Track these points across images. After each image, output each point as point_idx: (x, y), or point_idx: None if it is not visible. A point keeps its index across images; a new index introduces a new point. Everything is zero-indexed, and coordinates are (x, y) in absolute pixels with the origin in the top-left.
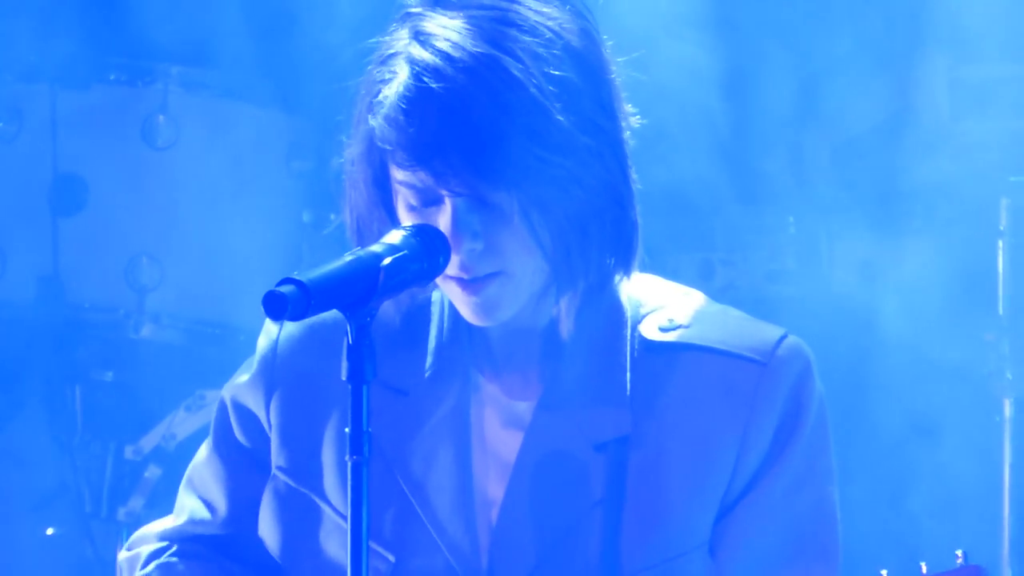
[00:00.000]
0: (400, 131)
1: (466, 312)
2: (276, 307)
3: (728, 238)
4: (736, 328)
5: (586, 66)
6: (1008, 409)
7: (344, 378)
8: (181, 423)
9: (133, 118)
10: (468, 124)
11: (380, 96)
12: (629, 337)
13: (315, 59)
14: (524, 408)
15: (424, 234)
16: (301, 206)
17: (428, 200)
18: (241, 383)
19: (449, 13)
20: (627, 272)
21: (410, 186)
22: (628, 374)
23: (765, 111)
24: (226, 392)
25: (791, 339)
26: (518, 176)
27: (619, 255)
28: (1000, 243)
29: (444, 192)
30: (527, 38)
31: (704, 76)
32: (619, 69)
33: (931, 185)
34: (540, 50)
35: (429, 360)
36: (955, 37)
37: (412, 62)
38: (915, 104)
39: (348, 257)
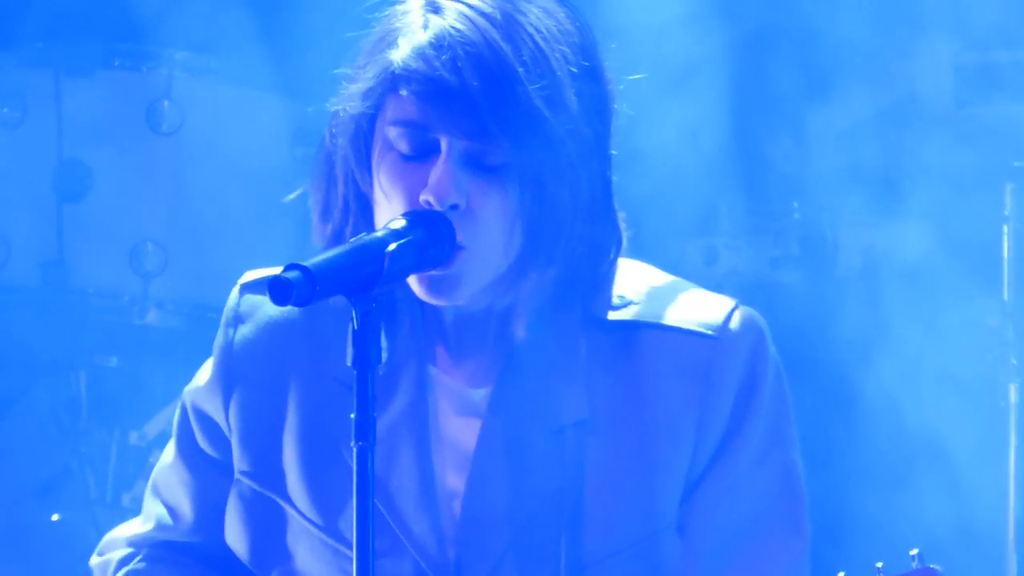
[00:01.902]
0: (425, 59)
1: (420, 289)
2: (281, 293)
3: (732, 223)
4: (687, 302)
5: (592, 65)
6: (1013, 394)
7: (349, 364)
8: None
9: (138, 103)
10: (493, 70)
11: (402, 32)
12: (583, 316)
13: (320, 44)
14: (480, 396)
15: (429, 220)
16: (305, 192)
17: (422, 150)
18: (199, 387)
19: None
20: (608, 269)
21: (410, 126)
22: (583, 356)
23: (770, 96)
24: (186, 396)
25: (743, 310)
26: (525, 137)
27: (597, 252)
28: (1005, 228)
29: (444, 137)
30: (547, 19)
31: (709, 62)
32: (622, 57)
33: (936, 170)
34: (558, 34)
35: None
36: (960, 22)
37: (436, 8)
38: (920, 89)
39: (353, 242)
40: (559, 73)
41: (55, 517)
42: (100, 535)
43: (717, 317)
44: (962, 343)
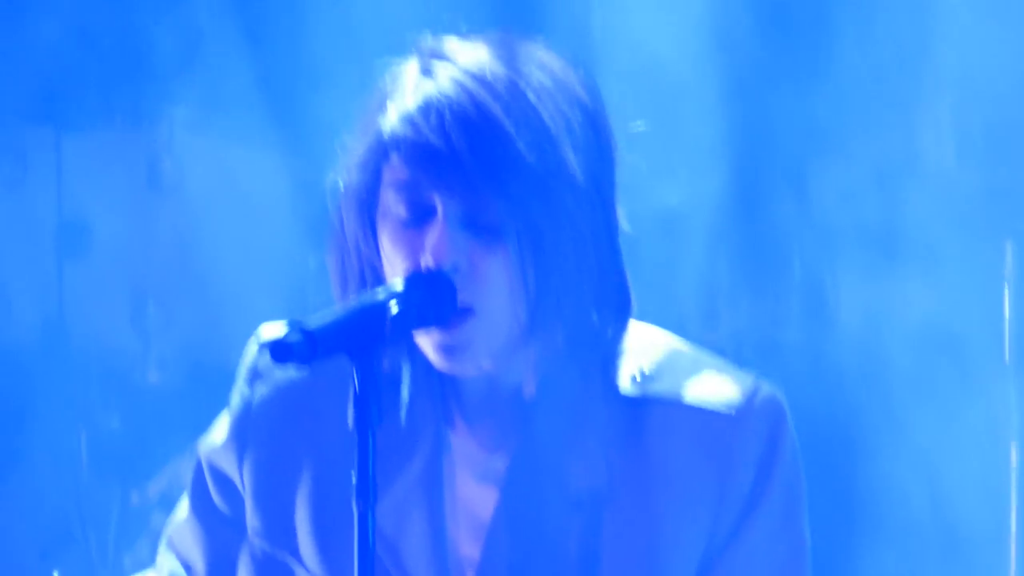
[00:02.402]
0: (411, 124)
1: (434, 355)
2: (281, 353)
3: (733, 283)
4: (708, 379)
5: (590, 118)
6: (1015, 455)
7: (351, 425)
8: (188, 468)
9: (138, 161)
10: (481, 129)
11: (392, 98)
12: (604, 389)
13: (323, 103)
14: (499, 464)
15: (429, 279)
16: (307, 250)
17: (419, 214)
18: (215, 444)
19: (464, 41)
20: (617, 328)
21: (404, 190)
22: (603, 429)
23: (771, 153)
24: (202, 451)
25: (764, 389)
26: (518, 194)
27: (606, 313)
28: (1006, 288)
29: (439, 200)
30: (541, 74)
31: (709, 115)
32: (622, 112)
33: (937, 228)
34: (552, 87)
35: (400, 415)
36: (963, 80)
37: (428, 71)
38: (921, 146)
39: (354, 302)
40: (553, 128)
41: None
42: None
43: (738, 395)
44: (963, 403)
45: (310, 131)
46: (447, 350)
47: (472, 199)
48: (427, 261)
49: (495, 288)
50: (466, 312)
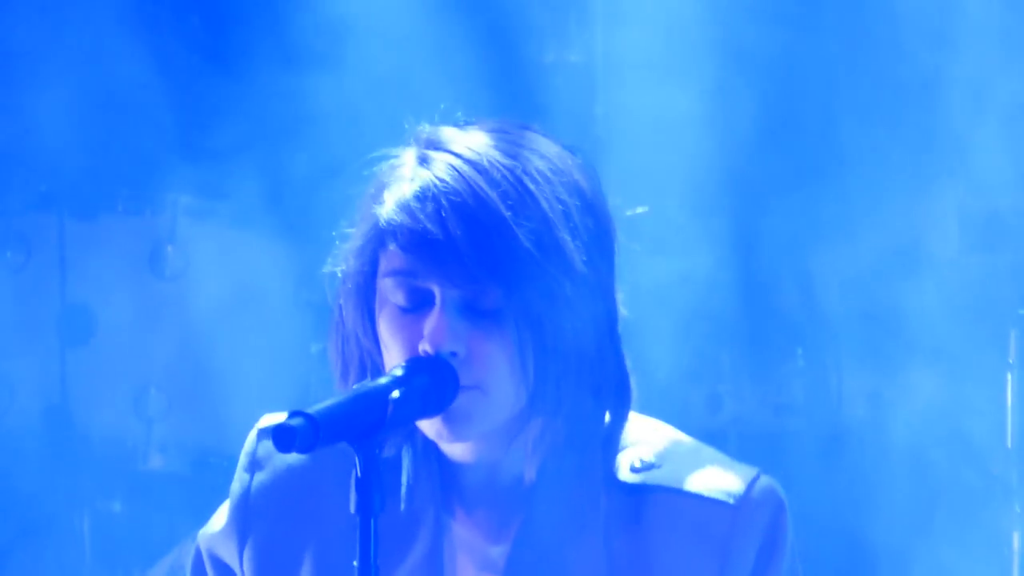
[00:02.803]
0: (408, 212)
1: (431, 429)
2: (284, 439)
3: (736, 370)
4: (709, 468)
5: (588, 203)
6: (1017, 542)
7: (352, 510)
8: (189, 554)
9: (141, 248)
10: (477, 216)
11: (389, 187)
12: (604, 477)
13: (326, 191)
14: (499, 552)
15: (430, 366)
16: (309, 337)
17: (417, 300)
18: (215, 533)
19: (461, 130)
20: (617, 416)
21: (401, 277)
22: (602, 517)
23: (775, 242)
24: (201, 540)
25: (764, 480)
26: (516, 281)
27: (604, 398)
28: (1009, 376)
29: (436, 287)
30: (539, 160)
31: (713, 203)
32: (621, 212)
33: (940, 317)
34: (550, 174)
35: (400, 501)
36: (965, 170)
37: (425, 160)
38: (924, 235)
39: (356, 389)
40: (551, 214)
41: None
42: None
43: (738, 486)
44: (966, 491)
45: (313, 219)
46: (448, 421)
47: (469, 286)
48: (425, 347)
49: (495, 369)
50: (467, 388)
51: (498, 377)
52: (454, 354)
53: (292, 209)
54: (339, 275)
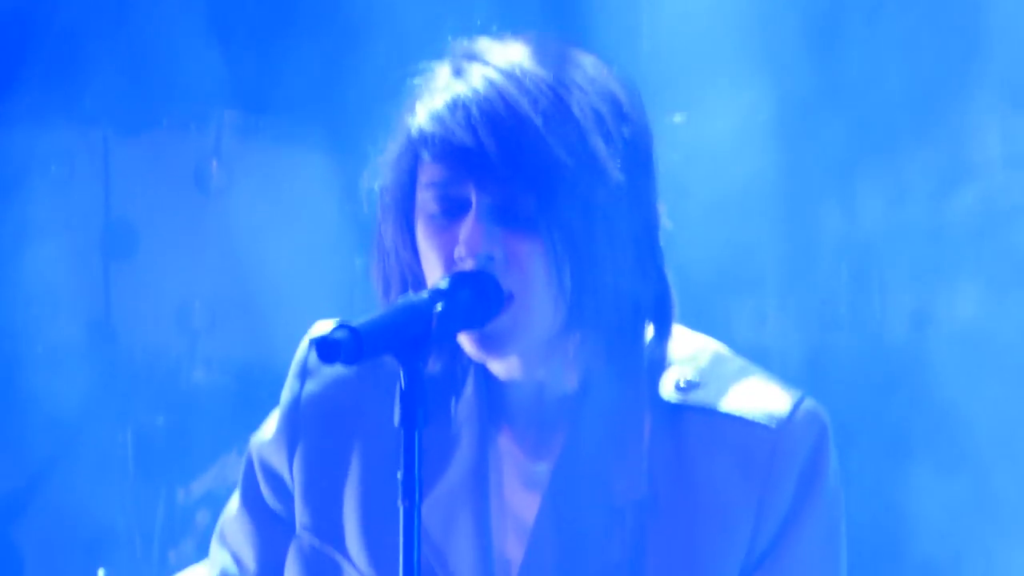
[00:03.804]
0: (439, 122)
1: (471, 345)
2: (329, 352)
3: (781, 285)
4: (753, 390)
5: (623, 113)
6: None
7: (396, 423)
8: (233, 467)
9: (186, 163)
10: (509, 123)
11: (422, 99)
12: (648, 395)
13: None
14: (543, 469)
15: (474, 279)
16: (354, 251)
17: (451, 207)
18: (265, 441)
19: (496, 41)
20: (660, 332)
21: (436, 187)
22: (646, 436)
23: (818, 158)
24: (253, 447)
25: (808, 403)
26: (549, 188)
27: (644, 311)
28: None
29: (471, 192)
30: (573, 70)
31: (756, 123)
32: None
33: (984, 232)
34: (584, 83)
35: (446, 417)
36: (1008, 84)
37: (459, 71)
38: (968, 150)
39: (400, 302)
40: (583, 122)
41: (101, 574)
42: None
43: (782, 409)
44: (1016, 406)
45: (357, 133)
46: (486, 338)
47: (502, 192)
48: (460, 252)
49: (532, 276)
50: (507, 298)
51: (535, 283)
52: (491, 258)
53: (337, 124)
54: (377, 190)
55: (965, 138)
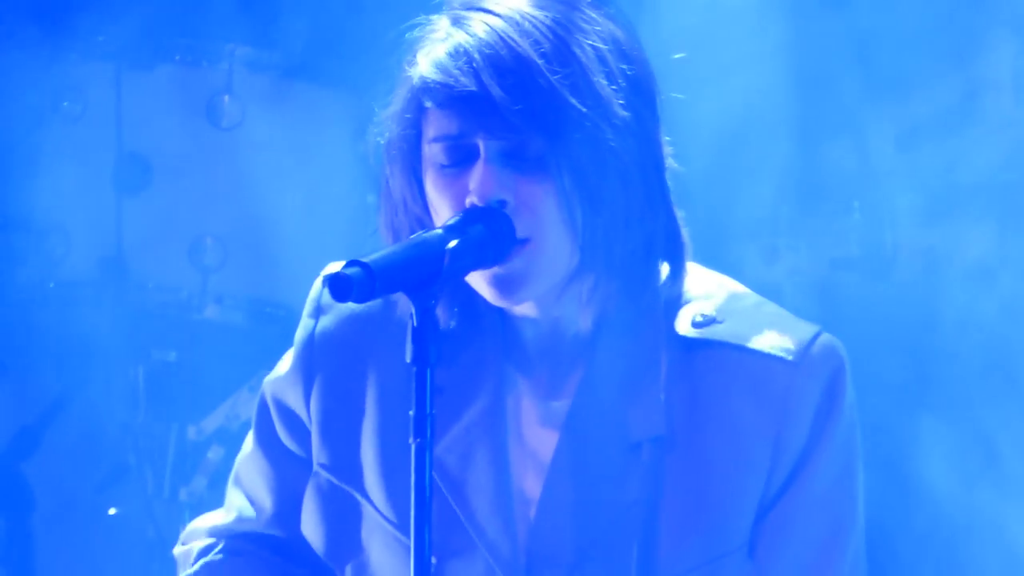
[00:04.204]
0: (442, 69)
1: (487, 289)
2: (341, 289)
3: (793, 223)
4: (770, 324)
5: (624, 51)
6: None
7: (408, 360)
8: (244, 403)
9: (198, 98)
10: (513, 67)
11: (423, 49)
12: (665, 332)
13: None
14: (560, 406)
15: (487, 216)
16: (366, 188)
17: (460, 156)
18: (280, 378)
19: None
20: (674, 270)
21: (443, 138)
22: (662, 372)
23: (829, 96)
24: (267, 387)
25: (825, 337)
26: (556, 128)
27: (656, 249)
28: None
29: (479, 139)
30: (572, 12)
31: (767, 63)
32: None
33: (996, 173)
34: (583, 24)
35: (463, 355)
36: (1020, 26)
37: (458, 20)
38: (980, 91)
39: (413, 239)
40: (585, 60)
41: (112, 511)
42: (157, 530)
43: (799, 342)
44: (1017, 345)
45: (370, 70)
46: (501, 281)
47: (510, 136)
48: (472, 200)
49: (547, 217)
50: (522, 242)
51: (549, 225)
52: (503, 203)
53: (349, 60)
54: (383, 142)
55: (976, 77)
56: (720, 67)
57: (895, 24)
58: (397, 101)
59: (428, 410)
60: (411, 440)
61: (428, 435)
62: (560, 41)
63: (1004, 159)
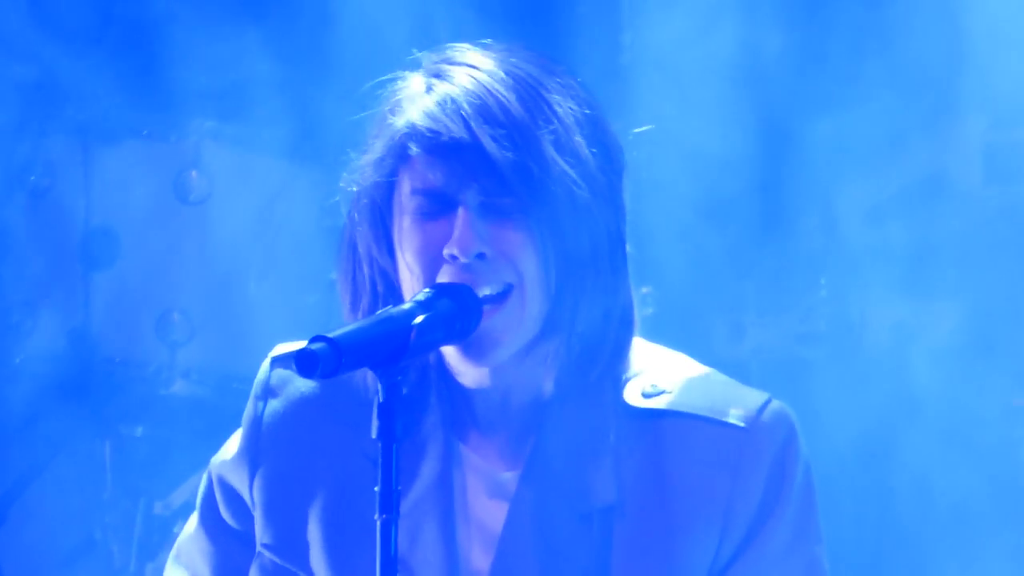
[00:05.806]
0: (432, 117)
1: (457, 356)
2: (307, 365)
3: (760, 299)
4: (719, 393)
5: (597, 116)
6: None
7: (374, 436)
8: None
9: (166, 173)
10: (502, 118)
11: (406, 100)
12: (614, 402)
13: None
14: (509, 478)
15: (455, 292)
16: (332, 263)
17: (438, 208)
18: (226, 460)
19: (471, 49)
20: (624, 341)
21: (423, 191)
22: (612, 442)
23: (798, 171)
24: (213, 467)
25: (775, 404)
26: (537, 182)
27: (613, 319)
28: None
29: (461, 188)
30: (548, 75)
31: (736, 136)
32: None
33: (964, 248)
34: (560, 86)
35: (412, 427)
36: (990, 101)
37: (440, 74)
38: (949, 167)
39: (379, 314)
40: (566, 120)
41: None
42: None
43: (749, 410)
44: (990, 422)
45: (336, 144)
46: (474, 345)
47: (492, 185)
48: (451, 250)
49: (525, 266)
50: (502, 294)
51: (527, 273)
52: (481, 255)
53: (316, 135)
54: (355, 191)
55: (946, 154)
56: (690, 144)
57: (865, 97)
58: (376, 149)
59: (394, 486)
60: (376, 517)
61: (395, 512)
62: (543, 99)
63: (973, 235)
